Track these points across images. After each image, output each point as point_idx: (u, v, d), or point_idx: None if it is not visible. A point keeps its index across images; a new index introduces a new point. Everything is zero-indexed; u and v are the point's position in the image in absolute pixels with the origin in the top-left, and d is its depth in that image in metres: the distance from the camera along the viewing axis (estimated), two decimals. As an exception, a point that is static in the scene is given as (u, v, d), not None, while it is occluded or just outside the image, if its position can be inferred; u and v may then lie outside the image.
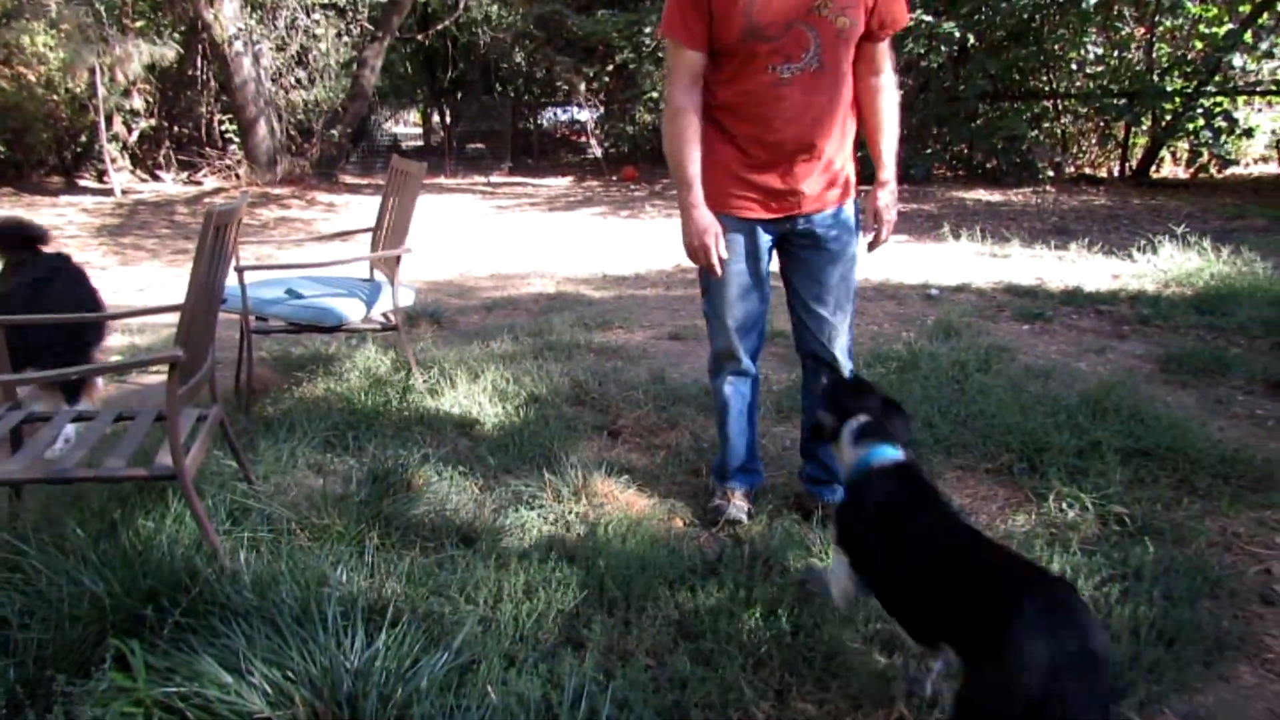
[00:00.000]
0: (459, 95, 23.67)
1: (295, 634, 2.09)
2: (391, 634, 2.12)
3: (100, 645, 2.15)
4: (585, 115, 21.27)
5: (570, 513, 3.05)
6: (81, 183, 14.87)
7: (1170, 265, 7.43)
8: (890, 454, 2.12)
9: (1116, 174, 16.52)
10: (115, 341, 5.60)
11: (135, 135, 15.34)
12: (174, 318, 2.61)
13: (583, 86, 19.87)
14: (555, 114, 24.44)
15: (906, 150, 16.02)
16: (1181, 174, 16.53)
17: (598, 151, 19.62)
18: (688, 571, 2.69)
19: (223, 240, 2.67)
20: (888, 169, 2.81)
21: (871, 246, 2.90)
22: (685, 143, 2.69)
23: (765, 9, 2.51)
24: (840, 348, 2.95)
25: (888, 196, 2.81)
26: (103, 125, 13.85)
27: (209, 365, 2.90)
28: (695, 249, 2.75)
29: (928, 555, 1.89)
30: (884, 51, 2.74)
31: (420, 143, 26.56)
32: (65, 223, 11.42)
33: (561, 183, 17.85)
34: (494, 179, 18.55)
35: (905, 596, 1.93)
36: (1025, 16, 15.07)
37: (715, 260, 2.72)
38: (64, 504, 2.96)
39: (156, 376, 4.70)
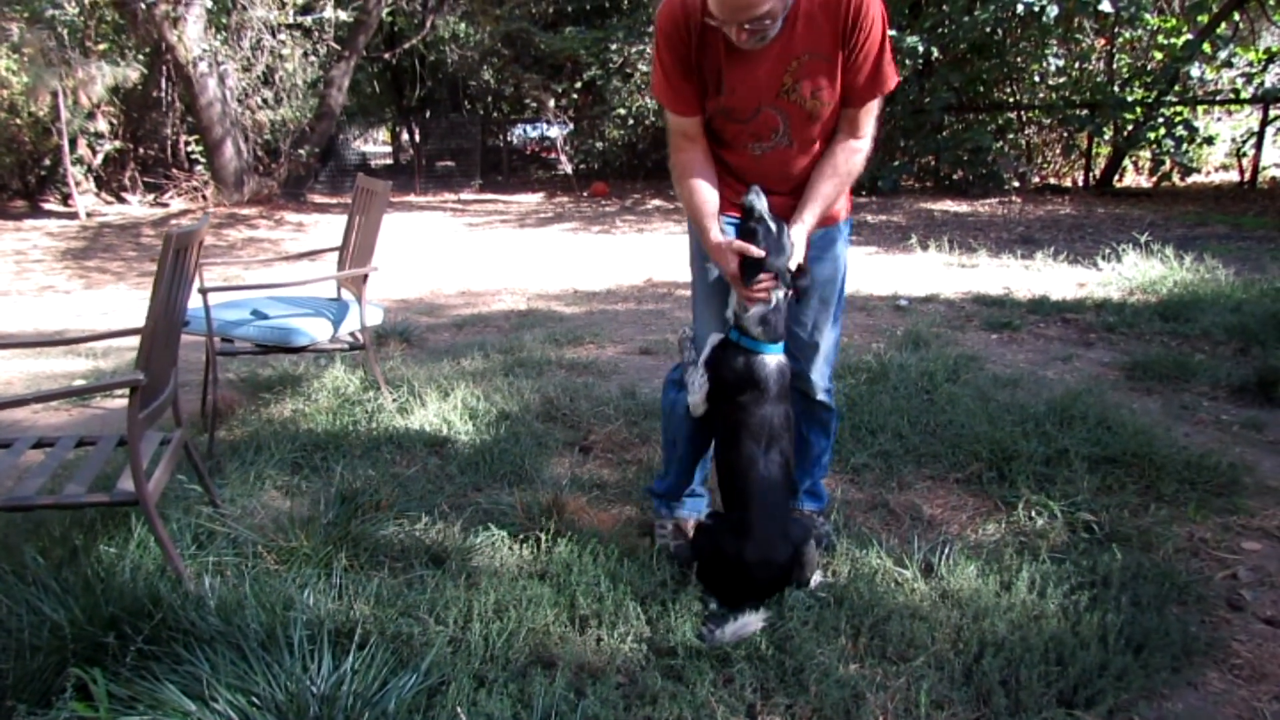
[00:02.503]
0: (427, 113, 23.62)
1: (260, 659, 2.06)
2: (359, 656, 2.10)
3: (61, 674, 2.11)
4: (555, 132, 21.27)
5: (541, 530, 3.03)
6: (46, 206, 14.72)
7: (1134, 273, 7.53)
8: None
9: (1080, 184, 16.76)
10: (78, 366, 5.53)
11: (100, 158, 15.21)
12: (137, 341, 2.58)
13: (551, 103, 19.87)
14: (525, 131, 24.43)
15: (874, 162, 16.17)
16: (1144, 183, 16.78)
17: (568, 168, 19.62)
18: (659, 587, 2.68)
19: (184, 262, 2.65)
20: (805, 217, 2.61)
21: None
22: (699, 199, 2.63)
23: (733, 93, 2.51)
24: (817, 369, 2.90)
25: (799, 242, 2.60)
26: (66, 148, 13.72)
27: (172, 388, 2.86)
28: (726, 271, 2.63)
29: None
30: (865, 115, 2.58)
31: (389, 161, 26.46)
32: (30, 247, 11.29)
33: (532, 199, 17.86)
34: (464, 196, 18.52)
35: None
36: (988, 30, 15.27)
37: (733, 259, 2.57)
38: (24, 531, 2.90)
39: (119, 400, 4.64)
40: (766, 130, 2.57)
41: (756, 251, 2.51)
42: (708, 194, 2.65)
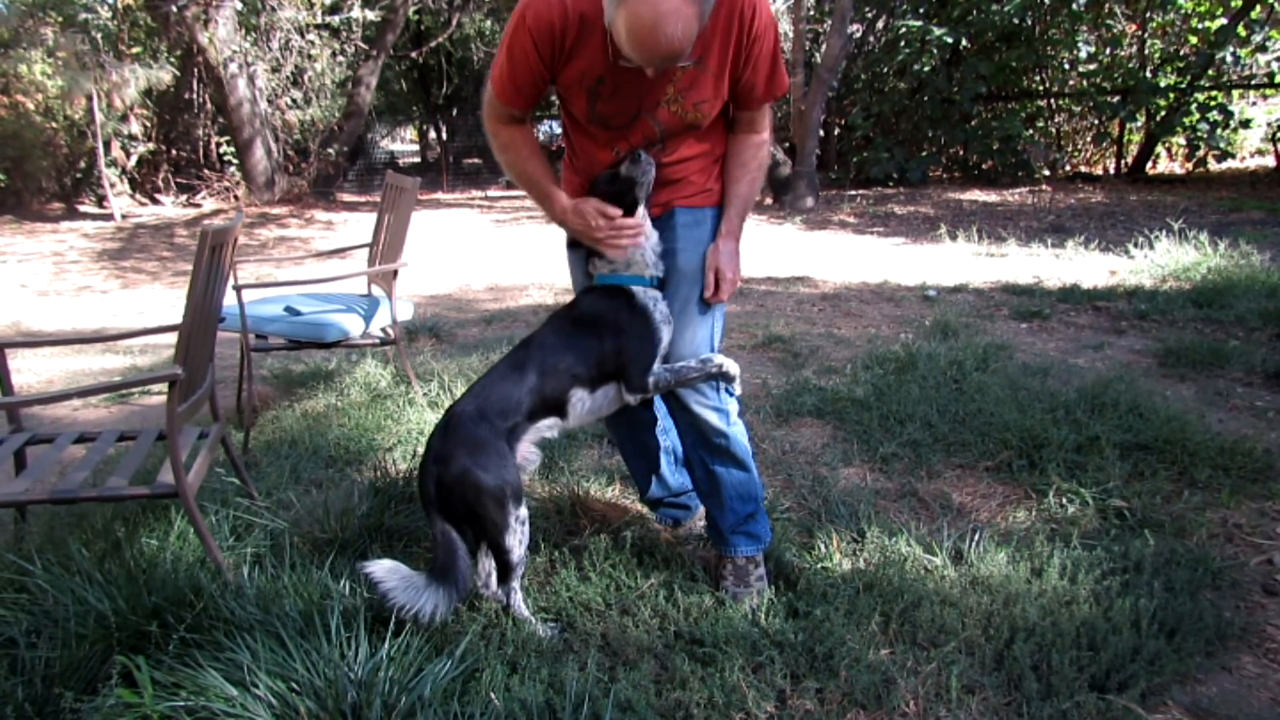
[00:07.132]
0: (454, 111, 23.74)
1: (299, 646, 2.10)
2: (395, 644, 2.14)
3: (107, 662, 2.17)
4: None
5: (565, 519, 3.06)
6: (81, 209, 14.92)
7: (1167, 260, 7.45)
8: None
9: (1112, 171, 16.56)
10: (116, 363, 5.62)
11: (134, 160, 15.41)
12: (174, 338, 2.63)
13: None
14: (551, 127, 24.49)
15: (903, 153, 16.08)
16: (1177, 169, 16.56)
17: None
18: (680, 578, 2.69)
19: (219, 259, 2.69)
20: (734, 225, 2.55)
21: (704, 299, 2.56)
22: (527, 166, 2.53)
23: (611, 98, 2.35)
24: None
25: (727, 253, 2.52)
26: (101, 151, 13.92)
27: (209, 383, 2.91)
28: (588, 228, 2.49)
29: None
30: (763, 115, 2.51)
31: (417, 159, 26.63)
32: (66, 248, 11.47)
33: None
34: (491, 193, 18.60)
35: None
36: (1016, 21, 15.13)
37: (605, 220, 2.47)
38: (68, 524, 2.97)
39: (158, 397, 4.72)
40: (641, 139, 2.44)
41: (614, 211, 2.45)
42: (540, 163, 2.53)
